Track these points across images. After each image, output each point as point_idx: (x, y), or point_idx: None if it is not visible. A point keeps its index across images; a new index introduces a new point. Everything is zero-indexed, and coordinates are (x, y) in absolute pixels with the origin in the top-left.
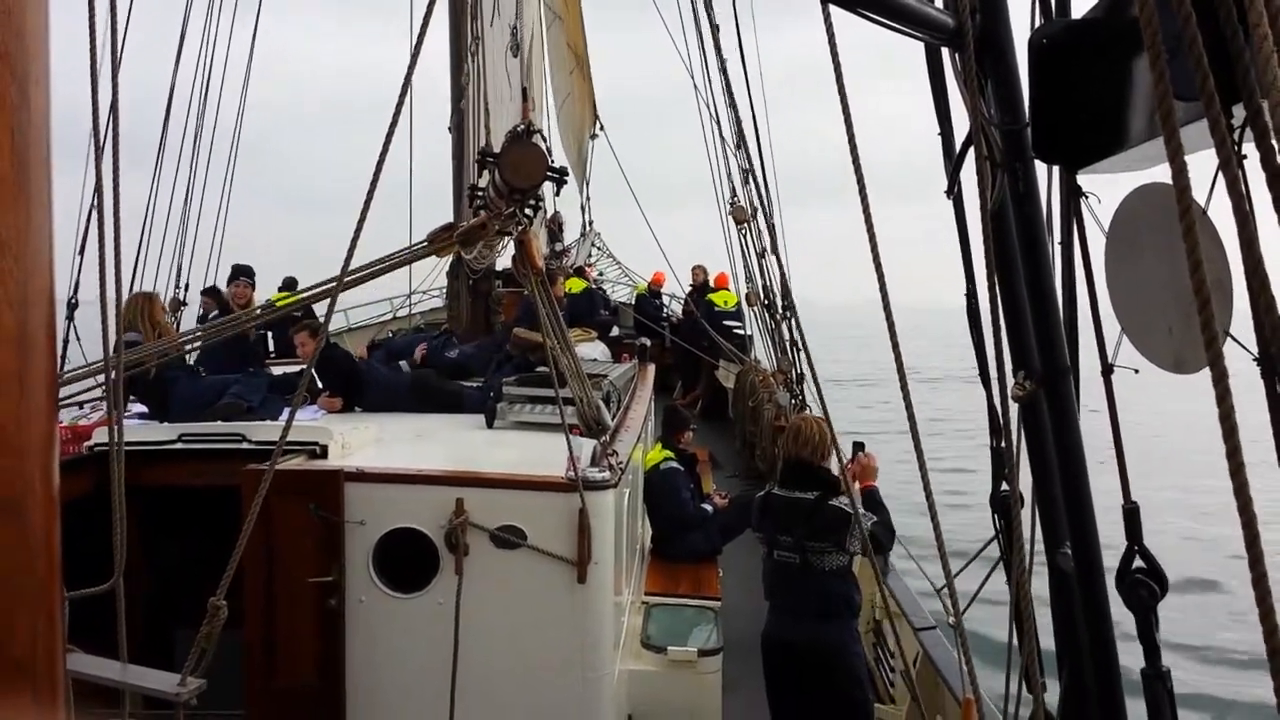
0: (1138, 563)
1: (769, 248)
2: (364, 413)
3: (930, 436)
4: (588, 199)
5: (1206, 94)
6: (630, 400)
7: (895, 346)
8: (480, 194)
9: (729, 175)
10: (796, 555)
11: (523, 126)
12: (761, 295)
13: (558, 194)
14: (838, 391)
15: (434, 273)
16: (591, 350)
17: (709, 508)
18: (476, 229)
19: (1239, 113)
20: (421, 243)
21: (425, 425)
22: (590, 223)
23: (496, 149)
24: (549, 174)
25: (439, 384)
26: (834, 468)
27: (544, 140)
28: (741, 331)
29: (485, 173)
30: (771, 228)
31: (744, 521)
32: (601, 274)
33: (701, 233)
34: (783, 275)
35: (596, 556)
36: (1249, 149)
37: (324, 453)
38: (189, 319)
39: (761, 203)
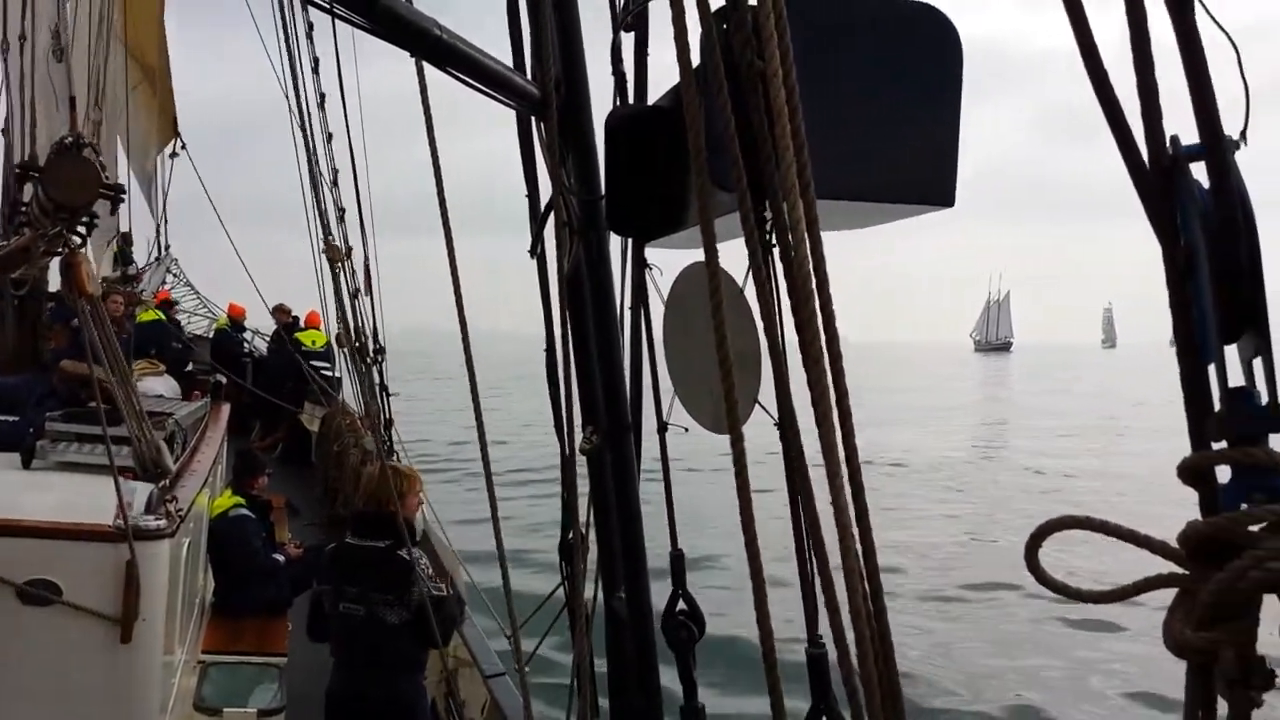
0: (681, 606)
1: (362, 288)
2: None
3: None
4: (165, 221)
5: (740, 190)
6: (198, 441)
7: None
8: (24, 210)
9: (323, 212)
10: (362, 607)
11: (71, 139)
12: (353, 337)
13: (113, 211)
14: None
15: None
16: (158, 386)
17: (280, 558)
18: (18, 253)
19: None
20: None
21: None
22: (166, 248)
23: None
24: (102, 192)
25: None
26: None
27: (96, 154)
28: (330, 373)
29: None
30: (367, 268)
31: (317, 572)
32: (177, 303)
33: (298, 265)
34: (375, 317)
35: (145, 613)
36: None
37: None
38: None
39: (364, 240)
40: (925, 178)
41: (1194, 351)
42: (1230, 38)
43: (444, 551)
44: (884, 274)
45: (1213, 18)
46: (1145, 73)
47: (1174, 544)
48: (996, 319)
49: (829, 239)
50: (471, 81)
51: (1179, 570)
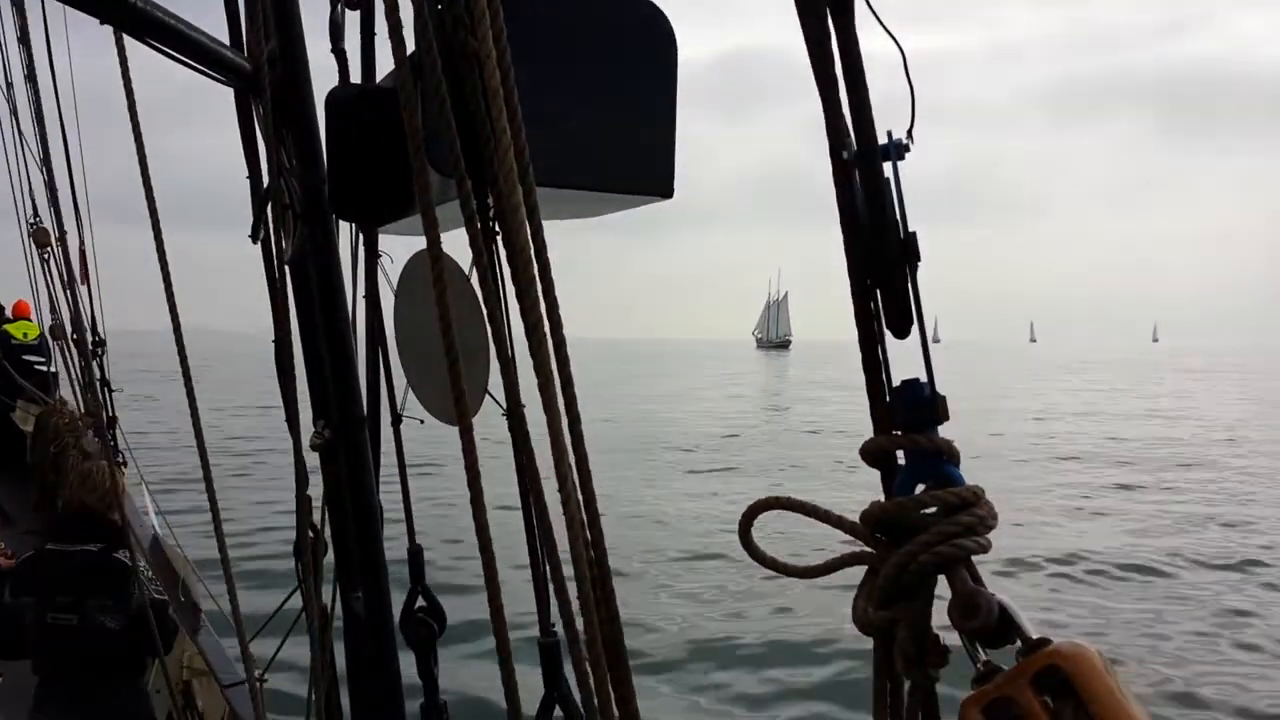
0: (421, 602)
1: (78, 276)
2: None
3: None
4: None
5: (458, 174)
6: None
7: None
8: None
9: (31, 192)
10: (75, 616)
11: None
12: (69, 329)
13: None
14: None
15: None
16: None
17: None
18: None
19: None
20: None
21: None
22: None
23: None
24: None
25: None
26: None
27: None
28: (45, 368)
29: None
30: (83, 254)
31: None
32: None
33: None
34: (93, 307)
35: None
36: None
37: None
38: None
39: (79, 224)
40: (644, 169)
41: (872, 342)
42: (898, 43)
43: (175, 558)
44: (673, 275)
45: (883, 25)
46: (825, 78)
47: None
48: (776, 318)
49: (624, 236)
50: (175, 54)
51: (868, 549)
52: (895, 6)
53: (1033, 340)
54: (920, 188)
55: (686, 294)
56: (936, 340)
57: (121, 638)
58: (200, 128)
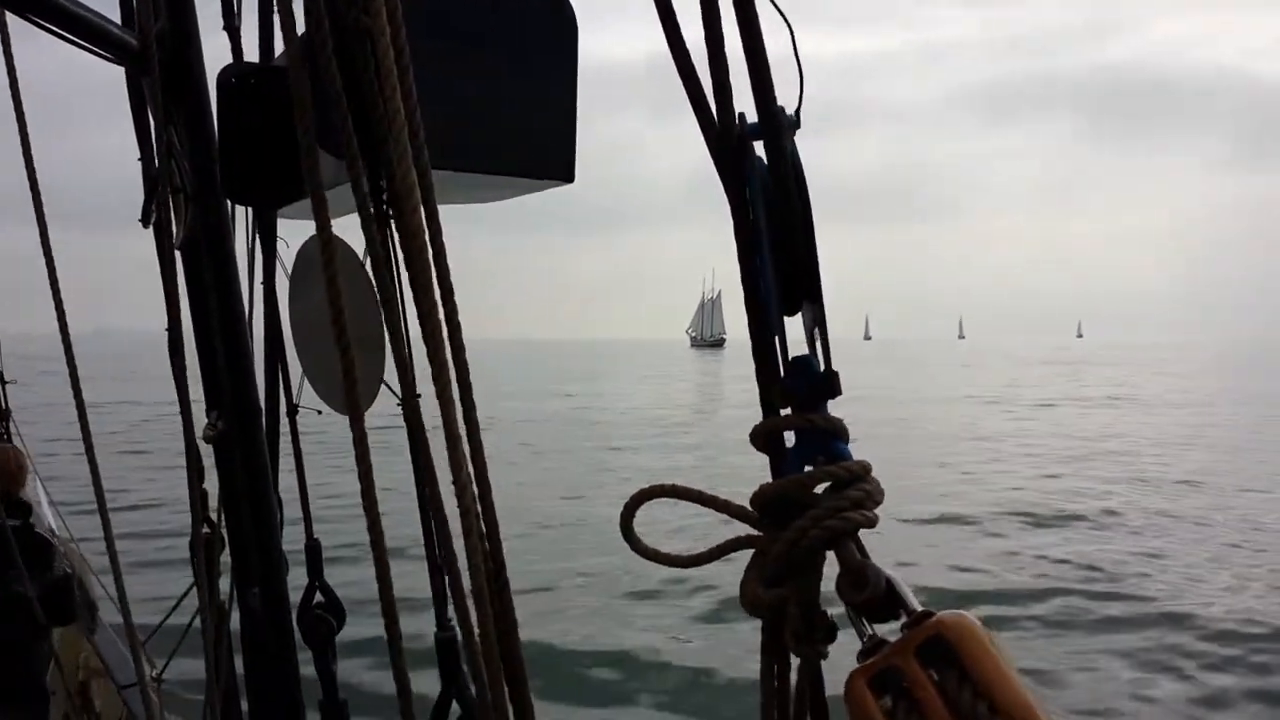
0: (319, 598)
1: None
2: None
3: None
4: None
5: (350, 155)
6: None
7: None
8: None
9: None
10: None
11: None
12: None
13: None
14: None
15: None
16: None
17: None
18: None
19: None
20: None
21: None
22: None
23: None
24: None
25: None
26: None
27: None
28: None
29: None
30: None
31: None
32: None
33: None
34: None
35: None
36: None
37: None
38: None
39: None
40: (544, 152)
41: (762, 323)
42: (788, 21)
43: (71, 553)
44: (602, 275)
45: (775, 3)
46: (716, 51)
47: (750, 507)
48: (711, 316)
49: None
50: (56, 30)
51: (754, 532)
52: (827, 8)
53: (961, 337)
54: (850, 187)
55: (615, 294)
56: (868, 338)
57: (41, 603)
58: None
